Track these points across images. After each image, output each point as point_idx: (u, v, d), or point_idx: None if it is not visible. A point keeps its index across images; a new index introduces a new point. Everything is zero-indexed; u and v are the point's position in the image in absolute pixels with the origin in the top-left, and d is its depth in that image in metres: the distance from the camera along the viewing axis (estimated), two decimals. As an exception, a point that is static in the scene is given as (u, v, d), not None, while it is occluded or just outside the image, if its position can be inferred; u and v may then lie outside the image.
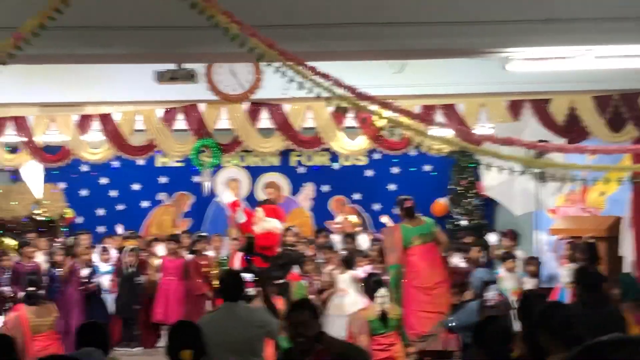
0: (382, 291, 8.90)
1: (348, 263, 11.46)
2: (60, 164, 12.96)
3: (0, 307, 11.39)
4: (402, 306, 10.46)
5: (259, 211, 11.78)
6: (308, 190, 16.59)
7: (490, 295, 10.07)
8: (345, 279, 11.20)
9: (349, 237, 13.06)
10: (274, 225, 11.39)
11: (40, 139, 12.39)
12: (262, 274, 10.00)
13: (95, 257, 12.81)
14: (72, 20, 7.54)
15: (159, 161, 16.40)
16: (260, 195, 16.31)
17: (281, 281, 9.52)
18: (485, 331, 5.20)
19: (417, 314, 10.59)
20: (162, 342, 12.61)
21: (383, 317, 8.85)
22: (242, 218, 11.98)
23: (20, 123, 12.33)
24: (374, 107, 8.31)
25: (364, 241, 13.11)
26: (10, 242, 12.48)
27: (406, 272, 10.88)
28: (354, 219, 14.51)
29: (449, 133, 11.04)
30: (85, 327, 5.87)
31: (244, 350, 6.21)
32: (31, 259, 11.86)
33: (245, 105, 12.19)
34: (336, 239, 13.50)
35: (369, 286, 9.21)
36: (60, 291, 12.00)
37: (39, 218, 14.65)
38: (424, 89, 11.60)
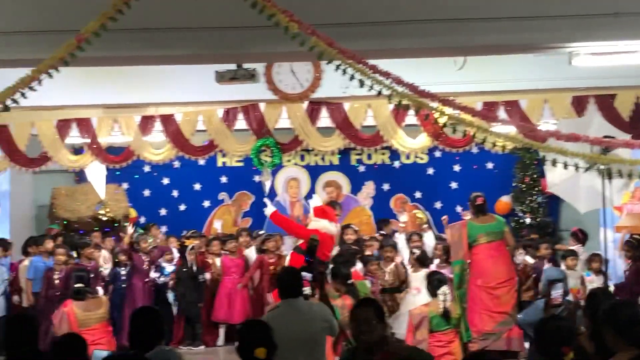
0: (444, 289, 8.92)
1: (422, 261, 11.39)
2: (123, 165, 13.08)
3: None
4: (465, 302, 10.42)
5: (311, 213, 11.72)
6: (368, 189, 16.52)
7: (556, 294, 9.93)
8: (419, 277, 11.09)
9: (417, 235, 12.95)
10: (323, 225, 11.20)
11: (103, 140, 12.53)
12: (320, 274, 9.97)
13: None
14: (133, 22, 7.62)
15: (220, 161, 16.50)
16: (321, 194, 16.29)
17: (350, 281, 9.45)
18: (543, 330, 5.09)
19: (479, 312, 10.49)
20: (221, 341, 12.74)
21: (445, 314, 8.87)
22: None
23: (84, 125, 12.49)
24: (435, 105, 8.23)
25: (430, 239, 12.99)
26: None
27: (470, 269, 10.79)
28: (421, 215, 14.38)
29: (512, 130, 10.92)
30: (140, 312, 5.92)
31: (308, 346, 6.20)
32: (90, 260, 11.99)
33: (305, 104, 12.17)
34: (400, 237, 13.38)
35: (432, 284, 9.21)
36: (127, 287, 12.19)
37: (103, 218, 14.81)
38: (485, 86, 11.47)
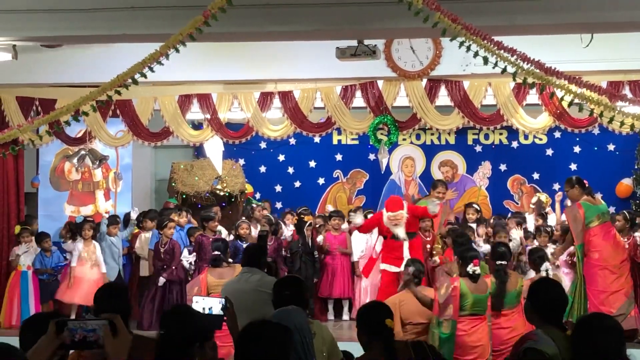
0: (546, 265, 9.12)
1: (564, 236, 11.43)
2: (241, 140, 13.25)
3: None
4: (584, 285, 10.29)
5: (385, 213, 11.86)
6: (485, 169, 16.32)
7: None
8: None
9: (541, 216, 12.81)
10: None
11: (223, 115, 12.72)
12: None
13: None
14: (257, -2, 7.70)
15: (335, 139, 16.56)
16: (436, 173, 16.21)
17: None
18: None
19: (604, 294, 10.30)
20: (331, 315, 12.89)
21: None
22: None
23: (205, 100, 12.69)
24: (561, 82, 8.06)
25: (553, 220, 12.79)
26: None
27: (589, 251, 10.59)
28: (545, 198, 14.15)
29: (639, 110, 10.59)
30: (285, 280, 6.31)
31: (253, 314, 6.44)
32: (214, 232, 12.31)
33: (423, 82, 12.08)
34: (530, 218, 13.29)
35: (534, 261, 9.50)
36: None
37: (220, 193, 15.07)
38: (611, 64, 11.11)
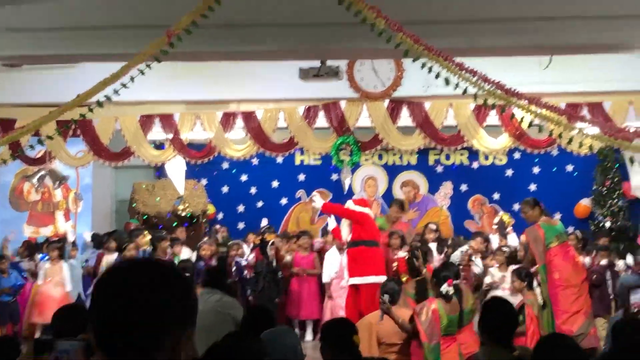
0: (445, 286, 8.60)
1: (512, 260, 11.34)
2: (204, 160, 13.24)
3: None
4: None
5: (349, 202, 11.71)
6: (446, 189, 16.43)
7: (635, 299, 9.77)
8: (508, 277, 11.04)
9: (503, 236, 12.95)
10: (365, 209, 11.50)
11: (185, 135, 12.70)
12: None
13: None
14: (222, 18, 7.72)
15: (298, 159, 16.60)
16: (398, 193, 16.28)
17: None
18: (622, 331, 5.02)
19: (566, 314, 10.37)
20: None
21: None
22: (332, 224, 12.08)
23: (167, 120, 12.67)
24: (520, 103, 8.16)
25: (513, 240, 12.88)
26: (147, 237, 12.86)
27: (550, 272, 10.66)
28: (507, 218, 14.24)
29: (597, 131, 10.75)
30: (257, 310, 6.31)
31: (212, 335, 6.57)
32: (166, 254, 12.21)
33: (386, 103, 12.17)
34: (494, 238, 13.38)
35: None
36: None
37: (182, 214, 15.01)
38: (569, 86, 11.33)
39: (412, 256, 9.99)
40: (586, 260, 11.67)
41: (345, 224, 11.56)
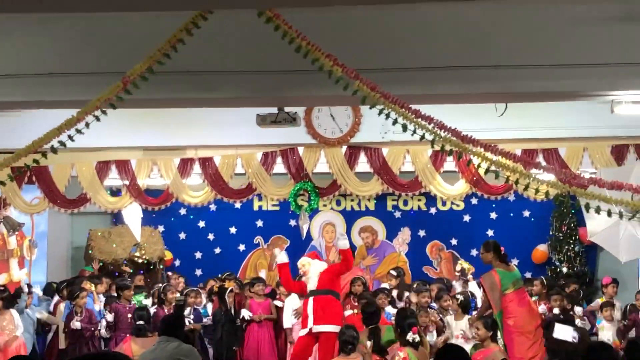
0: (410, 334, 8.55)
1: (465, 308, 11.28)
2: (161, 207, 13.15)
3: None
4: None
5: (305, 259, 11.70)
6: (404, 235, 16.44)
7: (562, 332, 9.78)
8: (462, 324, 11.00)
9: (464, 283, 12.97)
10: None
11: (142, 182, 12.61)
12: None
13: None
14: (178, 65, 7.69)
15: (256, 205, 16.54)
16: (356, 239, 16.27)
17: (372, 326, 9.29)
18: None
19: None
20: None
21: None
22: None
23: (124, 166, 12.59)
24: (477, 150, 8.20)
25: (475, 287, 12.90)
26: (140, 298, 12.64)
27: (505, 318, 10.65)
28: (467, 265, 14.26)
29: (552, 178, 10.84)
30: None
31: None
32: (130, 301, 12.07)
33: (343, 149, 12.20)
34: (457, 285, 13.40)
35: (492, 329, 9.22)
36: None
37: (139, 260, 14.85)
38: (525, 133, 11.48)
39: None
40: (541, 307, 11.69)
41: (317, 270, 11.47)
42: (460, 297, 11.46)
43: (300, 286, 11.50)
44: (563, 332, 9.74)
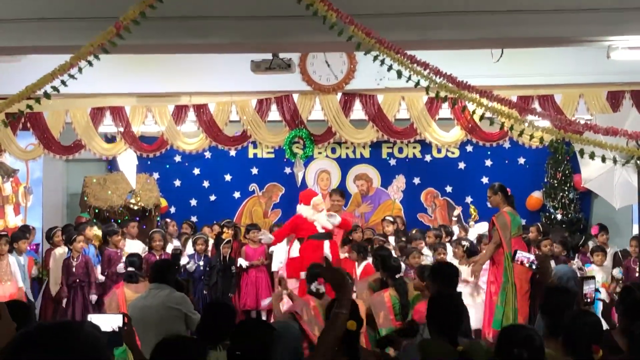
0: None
1: (472, 254, 11.35)
2: (156, 154, 13.13)
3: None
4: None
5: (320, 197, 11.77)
6: (399, 183, 16.47)
7: (588, 289, 9.79)
8: (467, 270, 11.08)
9: (463, 229, 13.05)
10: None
11: (137, 128, 12.57)
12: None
13: (190, 247, 13.00)
14: (172, 10, 7.64)
15: (251, 152, 16.54)
16: (351, 187, 16.31)
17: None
18: (572, 326, 5.06)
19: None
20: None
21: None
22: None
23: (118, 113, 12.53)
24: (472, 96, 8.18)
25: (475, 233, 12.99)
26: (96, 231, 12.70)
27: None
28: (473, 212, 14.32)
29: (547, 124, 10.84)
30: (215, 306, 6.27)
31: (159, 328, 6.61)
32: (118, 248, 12.14)
33: (338, 96, 12.15)
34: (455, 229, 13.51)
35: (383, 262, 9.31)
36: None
37: (134, 207, 14.86)
38: (521, 79, 11.41)
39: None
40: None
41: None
42: (466, 244, 11.52)
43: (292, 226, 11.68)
44: (522, 258, 9.76)
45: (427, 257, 11.71)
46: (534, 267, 9.94)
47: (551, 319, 5.62)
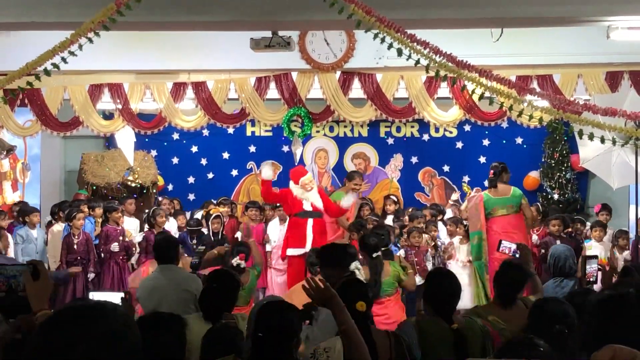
0: (355, 263, 8.37)
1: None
2: (154, 131, 13.13)
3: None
4: (486, 274, 10.49)
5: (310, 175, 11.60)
6: (397, 162, 16.49)
7: (590, 269, 9.81)
8: (466, 250, 11.14)
9: (457, 210, 13.16)
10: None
11: (135, 105, 12.56)
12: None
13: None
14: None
15: (249, 130, 16.54)
16: (349, 165, 16.32)
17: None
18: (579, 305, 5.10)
19: None
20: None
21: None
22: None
23: (116, 90, 12.52)
24: (471, 75, 8.19)
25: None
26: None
27: (488, 242, 10.79)
28: (467, 188, 14.36)
29: (546, 104, 10.87)
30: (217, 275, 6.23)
31: (177, 310, 6.56)
32: (118, 224, 12.13)
33: (337, 74, 12.14)
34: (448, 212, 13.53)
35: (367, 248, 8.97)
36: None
37: (132, 184, 14.87)
38: (520, 59, 11.40)
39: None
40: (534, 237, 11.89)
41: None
42: (467, 223, 11.55)
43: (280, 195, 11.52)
44: (505, 248, 9.82)
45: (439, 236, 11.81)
46: (517, 256, 9.99)
47: (502, 290, 5.93)
